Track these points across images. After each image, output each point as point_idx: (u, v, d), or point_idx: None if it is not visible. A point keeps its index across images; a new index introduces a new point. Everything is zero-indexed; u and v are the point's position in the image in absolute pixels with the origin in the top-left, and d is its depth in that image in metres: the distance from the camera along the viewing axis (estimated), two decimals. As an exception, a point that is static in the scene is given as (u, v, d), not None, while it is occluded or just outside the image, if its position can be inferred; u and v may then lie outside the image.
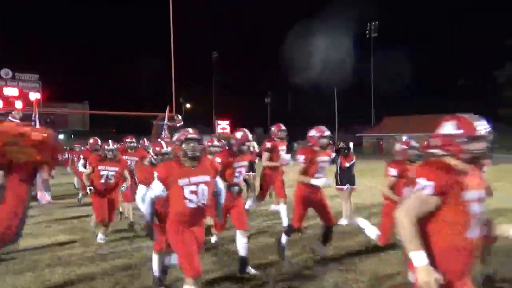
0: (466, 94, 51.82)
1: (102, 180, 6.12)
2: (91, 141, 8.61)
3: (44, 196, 9.41)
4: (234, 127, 43.38)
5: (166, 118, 13.34)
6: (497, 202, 9.89)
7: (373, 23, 57.15)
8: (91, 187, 6.06)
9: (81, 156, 9.12)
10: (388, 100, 59.62)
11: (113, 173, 6.18)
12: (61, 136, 44.66)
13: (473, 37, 53.88)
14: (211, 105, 73.37)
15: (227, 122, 37.04)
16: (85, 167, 7.55)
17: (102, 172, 6.13)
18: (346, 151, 7.63)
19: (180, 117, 15.15)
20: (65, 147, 18.46)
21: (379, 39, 56.49)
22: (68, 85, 63.00)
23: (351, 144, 7.80)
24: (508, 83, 38.52)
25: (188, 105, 76.48)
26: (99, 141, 8.18)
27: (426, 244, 2.18)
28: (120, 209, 7.72)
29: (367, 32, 57.98)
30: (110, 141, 6.36)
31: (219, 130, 35.84)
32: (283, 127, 6.97)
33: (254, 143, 9.95)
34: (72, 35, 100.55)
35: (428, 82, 55.49)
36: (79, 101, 62.63)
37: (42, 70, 34.66)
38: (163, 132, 14.31)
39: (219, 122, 37.27)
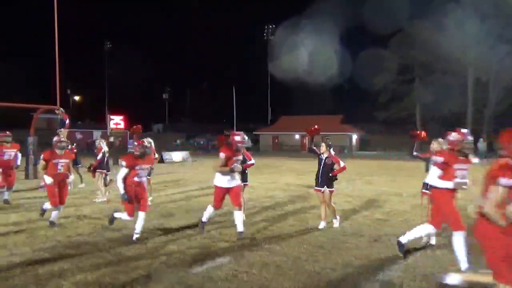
0: (351, 97, 57.36)
1: None
2: None
3: None
4: (129, 123, 40.98)
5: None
6: (373, 193, 11.12)
7: (271, 26, 59.74)
8: None
9: None
10: (283, 100, 62.85)
11: None
12: None
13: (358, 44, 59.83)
14: (103, 99, 68.54)
15: (121, 117, 34.84)
16: None
17: None
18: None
19: (62, 110, 13.65)
20: None
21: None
22: None
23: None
24: (383, 89, 43.66)
25: (77, 98, 70.32)
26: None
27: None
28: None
29: (264, 34, 60.32)
30: None
31: (111, 125, 33.51)
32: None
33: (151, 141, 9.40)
34: None
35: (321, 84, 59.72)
36: None
37: None
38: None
39: (112, 117, 34.82)
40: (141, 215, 5.90)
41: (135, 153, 5.93)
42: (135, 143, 6.02)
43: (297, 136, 48.34)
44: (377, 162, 26.61)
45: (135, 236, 5.86)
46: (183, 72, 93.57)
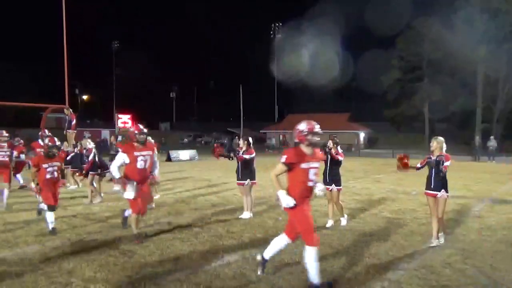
0: (359, 95, 57.03)
1: None
2: None
3: None
4: (137, 122, 41.23)
5: None
6: (379, 191, 11.06)
7: (277, 24, 59.66)
8: None
9: None
10: (290, 98, 62.75)
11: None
12: None
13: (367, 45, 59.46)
14: (111, 98, 69.05)
15: (129, 116, 35.06)
16: None
17: None
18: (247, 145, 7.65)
19: (71, 111, 13.71)
20: None
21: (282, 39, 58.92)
22: None
23: (250, 139, 7.77)
24: (391, 87, 43.19)
25: (85, 97, 70.93)
26: None
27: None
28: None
29: (271, 32, 60.25)
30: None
31: (119, 124, 33.72)
32: (145, 130, 5.91)
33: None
34: None
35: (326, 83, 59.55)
36: None
37: None
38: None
39: (120, 116, 35.06)
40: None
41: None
42: None
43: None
44: (385, 160, 26.42)
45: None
46: (190, 71, 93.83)
